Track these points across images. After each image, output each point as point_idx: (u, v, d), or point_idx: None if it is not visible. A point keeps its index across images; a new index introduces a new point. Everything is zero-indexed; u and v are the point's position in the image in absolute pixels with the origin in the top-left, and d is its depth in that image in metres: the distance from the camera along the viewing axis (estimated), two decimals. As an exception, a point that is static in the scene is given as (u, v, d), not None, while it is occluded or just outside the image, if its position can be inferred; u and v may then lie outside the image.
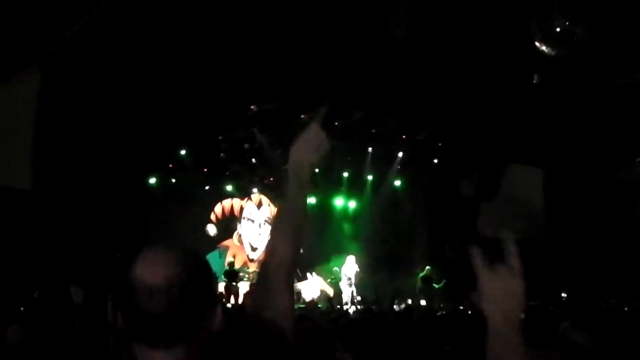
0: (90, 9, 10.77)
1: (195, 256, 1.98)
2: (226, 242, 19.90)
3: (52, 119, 13.01)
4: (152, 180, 19.72)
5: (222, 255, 19.45)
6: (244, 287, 17.43)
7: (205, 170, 20.59)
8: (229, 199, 20.61)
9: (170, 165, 19.81)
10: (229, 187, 21.46)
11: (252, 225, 20.08)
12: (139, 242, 17.64)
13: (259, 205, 20.21)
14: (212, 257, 18.63)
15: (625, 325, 6.26)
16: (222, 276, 17.07)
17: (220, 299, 16.75)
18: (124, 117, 15.77)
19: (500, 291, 2.13)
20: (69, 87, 13.84)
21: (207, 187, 21.20)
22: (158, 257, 1.92)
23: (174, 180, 20.30)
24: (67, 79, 13.46)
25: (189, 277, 1.91)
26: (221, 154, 19.97)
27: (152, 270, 1.88)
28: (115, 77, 14.46)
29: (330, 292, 20.06)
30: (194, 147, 19.27)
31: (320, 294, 19.69)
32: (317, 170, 2.55)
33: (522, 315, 2.11)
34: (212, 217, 20.23)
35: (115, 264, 15.94)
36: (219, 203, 20.31)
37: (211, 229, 19.75)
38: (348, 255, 20.26)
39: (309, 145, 2.63)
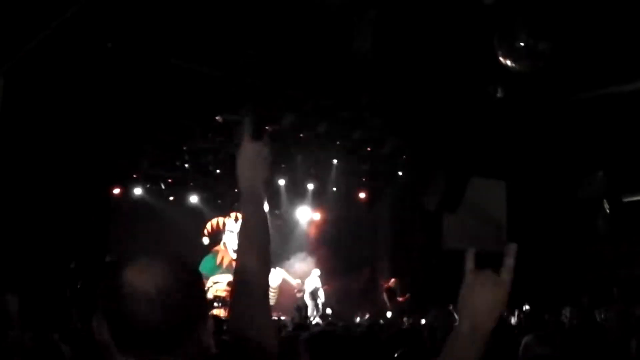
0: (54, 20, 10.72)
1: (186, 265, 1.95)
2: (216, 248, 22.05)
3: (14, 128, 12.94)
4: (116, 191, 19.56)
5: (214, 256, 21.67)
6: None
7: (169, 181, 20.50)
8: (216, 218, 22.21)
9: (134, 176, 19.68)
10: (193, 199, 21.42)
11: (232, 235, 21.70)
12: (98, 253, 17.54)
13: (236, 219, 21.06)
14: (209, 259, 21.48)
15: (586, 337, 6.31)
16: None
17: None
18: (87, 127, 15.66)
19: (479, 300, 2.11)
20: (31, 97, 13.74)
21: (171, 198, 21.13)
22: (149, 264, 1.88)
23: (138, 192, 20.17)
24: (30, 88, 13.37)
25: (181, 286, 1.87)
26: (185, 165, 19.88)
27: (144, 278, 1.83)
28: (78, 86, 14.38)
29: (293, 282, 20.36)
30: (157, 158, 19.16)
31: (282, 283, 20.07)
32: (267, 181, 2.55)
33: (490, 330, 2.10)
34: (205, 231, 22.07)
35: (69, 274, 15.82)
36: (209, 222, 22.09)
37: (205, 240, 21.92)
38: (313, 269, 20.32)
39: (250, 162, 2.59)
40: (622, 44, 13.07)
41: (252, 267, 2.34)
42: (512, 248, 2.22)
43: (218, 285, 21.17)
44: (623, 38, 12.76)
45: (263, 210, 2.54)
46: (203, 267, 20.73)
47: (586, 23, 11.92)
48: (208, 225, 22.20)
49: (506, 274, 2.16)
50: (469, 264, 2.21)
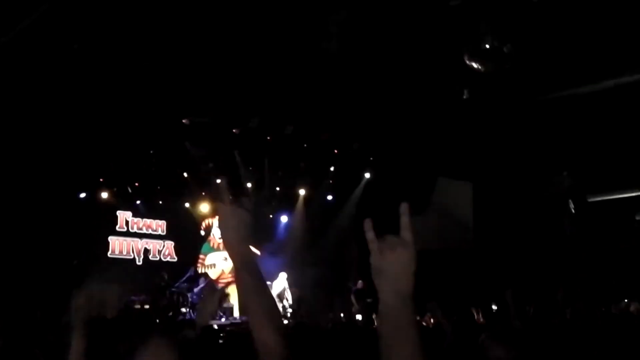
0: (19, 23, 10.64)
1: (193, 347, 2.06)
2: (209, 238, 23.60)
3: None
4: (82, 195, 19.43)
5: (208, 243, 23.42)
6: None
7: (136, 184, 20.41)
8: (208, 219, 23.39)
9: (101, 179, 19.55)
10: (160, 201, 21.50)
11: (216, 229, 22.51)
12: (66, 256, 17.48)
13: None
14: (205, 245, 23.41)
15: (546, 337, 6.38)
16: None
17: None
18: (53, 131, 15.56)
19: (392, 264, 2.11)
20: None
21: (138, 202, 21.13)
22: (160, 348, 1.96)
23: (104, 195, 20.06)
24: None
25: None
26: (152, 168, 19.81)
27: None
28: (44, 89, 14.28)
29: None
30: (124, 161, 19.07)
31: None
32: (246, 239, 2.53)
33: (412, 290, 2.08)
34: (202, 227, 23.48)
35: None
36: (203, 221, 23.44)
37: (202, 232, 23.46)
38: (281, 272, 20.34)
39: (234, 230, 2.56)
40: (586, 46, 13.23)
41: (270, 342, 2.39)
42: (404, 206, 2.21)
43: (209, 260, 22.98)
44: (587, 40, 12.91)
45: (258, 273, 2.53)
46: (203, 249, 23.31)
47: (551, 25, 12.05)
48: (203, 224, 23.61)
49: (406, 232, 2.17)
50: (369, 234, 2.23)
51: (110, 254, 21.55)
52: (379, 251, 2.16)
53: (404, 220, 2.18)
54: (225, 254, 21.60)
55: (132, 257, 22.48)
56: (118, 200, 21.08)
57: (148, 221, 22.97)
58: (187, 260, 22.44)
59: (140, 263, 22.26)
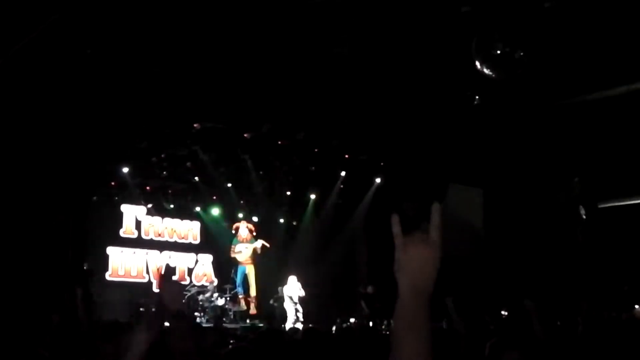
0: (35, 28, 10.71)
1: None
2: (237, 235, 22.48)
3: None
4: (95, 199, 19.44)
5: (236, 235, 22.51)
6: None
7: (147, 188, 20.39)
8: (236, 223, 22.70)
9: (112, 183, 19.59)
10: (171, 206, 21.31)
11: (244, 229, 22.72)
12: (76, 260, 17.44)
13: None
14: (234, 238, 22.41)
15: (561, 346, 6.39)
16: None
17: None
18: (65, 135, 15.61)
19: (414, 260, 2.11)
20: (5, 105, 13.69)
21: (149, 206, 20.94)
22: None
23: (116, 199, 20.07)
24: (9, 96, 13.33)
25: None
26: (163, 172, 19.81)
27: None
28: (57, 94, 14.33)
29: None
30: (135, 166, 19.08)
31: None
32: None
33: (431, 289, 2.06)
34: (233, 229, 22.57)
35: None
36: (233, 226, 22.69)
37: (233, 231, 22.67)
38: (290, 275, 20.34)
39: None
40: (598, 52, 13.21)
41: None
42: (436, 207, 2.21)
43: (237, 248, 22.06)
44: (598, 46, 12.90)
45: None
46: (233, 242, 21.86)
47: (562, 31, 12.04)
48: (233, 226, 22.31)
49: (434, 232, 2.16)
50: (395, 228, 2.22)
51: (109, 276, 19.77)
52: (403, 246, 2.16)
53: (435, 219, 2.19)
54: (247, 244, 22.06)
55: (145, 279, 20.61)
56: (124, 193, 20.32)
57: (171, 223, 21.82)
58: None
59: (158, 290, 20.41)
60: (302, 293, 19.85)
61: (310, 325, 16.25)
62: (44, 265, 15.83)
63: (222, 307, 19.40)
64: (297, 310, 19.61)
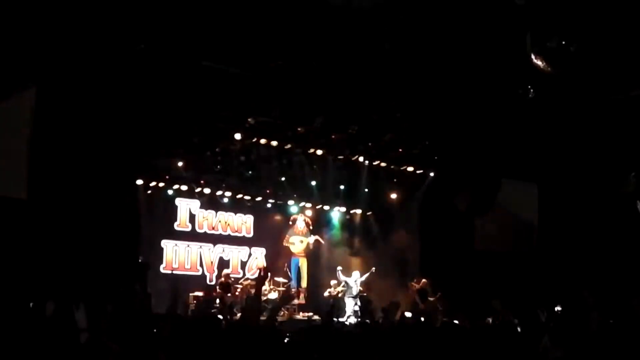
0: (83, 36, 10.87)
1: None
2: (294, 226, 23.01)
3: (49, 133, 13.10)
4: (149, 192, 19.63)
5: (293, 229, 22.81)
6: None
7: (201, 182, 20.53)
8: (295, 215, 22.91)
9: (167, 177, 19.76)
10: (225, 200, 21.41)
11: (300, 222, 23.19)
12: (131, 252, 17.61)
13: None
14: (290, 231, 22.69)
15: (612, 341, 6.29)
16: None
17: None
18: (121, 130, 15.80)
19: None
20: (64, 102, 13.90)
21: (203, 199, 21.04)
22: None
23: (170, 192, 20.25)
24: (63, 93, 13.54)
25: None
26: (217, 166, 19.93)
27: None
28: (111, 88, 14.54)
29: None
30: (189, 159, 19.23)
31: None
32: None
33: None
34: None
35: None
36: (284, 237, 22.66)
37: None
38: (353, 269, 20.41)
39: None
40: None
41: None
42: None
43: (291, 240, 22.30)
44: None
45: None
46: (289, 232, 22.36)
47: (619, 23, 11.86)
48: (291, 218, 22.77)
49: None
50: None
51: (163, 269, 20.10)
52: None
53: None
54: (303, 237, 22.37)
55: (199, 272, 20.78)
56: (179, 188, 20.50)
57: (226, 216, 21.83)
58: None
59: (213, 282, 20.26)
60: (362, 282, 19.97)
61: (366, 319, 16.27)
62: (101, 258, 16.04)
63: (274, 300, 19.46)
64: (355, 305, 19.67)
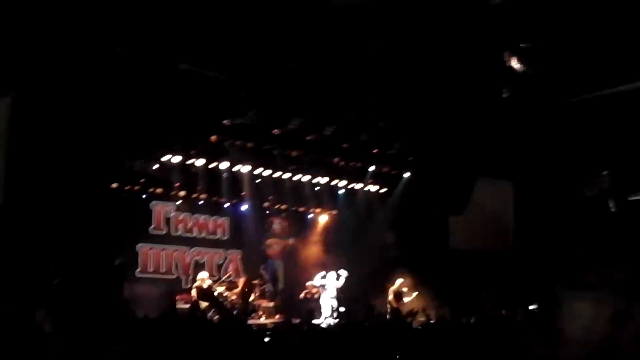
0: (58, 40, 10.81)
1: None
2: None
3: (26, 138, 13.03)
4: (125, 196, 19.48)
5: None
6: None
7: (177, 184, 20.39)
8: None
9: (142, 180, 19.59)
10: (200, 202, 21.30)
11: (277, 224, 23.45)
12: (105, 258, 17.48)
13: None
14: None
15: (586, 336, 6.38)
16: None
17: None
18: (94, 133, 15.70)
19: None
20: (40, 107, 13.83)
21: (178, 202, 20.93)
22: None
23: (144, 196, 20.12)
24: (39, 98, 13.47)
25: None
26: (193, 169, 19.80)
27: None
28: (86, 92, 14.46)
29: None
30: (165, 162, 19.11)
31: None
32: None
33: None
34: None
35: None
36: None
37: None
38: (330, 270, 20.40)
39: None
40: (627, 43, 13.13)
41: None
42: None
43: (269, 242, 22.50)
44: (627, 37, 12.82)
45: None
46: (266, 235, 22.42)
47: (592, 23, 11.99)
48: (267, 220, 22.86)
49: None
50: None
51: (139, 272, 19.75)
52: None
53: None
54: (279, 239, 22.60)
55: (174, 275, 20.44)
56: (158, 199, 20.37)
57: (200, 219, 21.56)
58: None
59: (188, 285, 19.74)
60: (340, 284, 19.95)
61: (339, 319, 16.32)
62: (78, 262, 15.94)
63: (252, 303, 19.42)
64: (333, 306, 19.67)
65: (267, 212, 22.52)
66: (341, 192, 22.70)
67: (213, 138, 18.20)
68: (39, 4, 11.64)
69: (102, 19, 12.10)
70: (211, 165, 19.66)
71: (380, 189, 22.56)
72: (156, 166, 18.92)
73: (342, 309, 19.55)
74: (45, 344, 6.22)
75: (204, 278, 18.69)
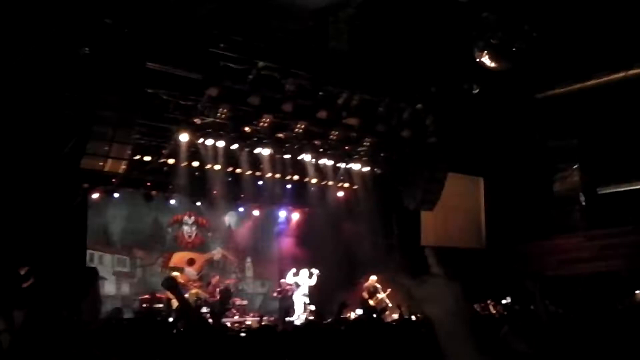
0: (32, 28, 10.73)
1: None
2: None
3: None
4: (95, 195, 19.39)
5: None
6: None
7: (148, 184, 20.32)
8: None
9: (113, 180, 19.45)
10: (172, 201, 21.29)
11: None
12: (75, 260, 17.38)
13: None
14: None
15: (563, 331, 6.41)
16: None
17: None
18: (64, 133, 15.58)
19: (436, 296, 2.20)
20: (6, 106, 13.71)
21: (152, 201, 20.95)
22: None
23: (116, 195, 20.02)
24: (5, 97, 13.35)
25: None
26: (164, 168, 19.68)
27: None
28: (54, 92, 14.35)
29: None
30: (135, 161, 18.99)
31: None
32: None
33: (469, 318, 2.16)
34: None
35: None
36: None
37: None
38: (302, 268, 20.43)
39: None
40: (594, 39, 13.25)
41: None
42: (429, 252, 2.30)
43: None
44: (595, 34, 12.94)
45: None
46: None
47: (559, 20, 12.08)
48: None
49: (435, 270, 2.29)
50: (430, 260, 2.31)
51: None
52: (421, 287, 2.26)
53: (431, 260, 2.30)
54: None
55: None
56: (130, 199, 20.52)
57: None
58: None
59: None
60: (312, 282, 20.00)
61: (312, 317, 16.32)
62: (48, 263, 15.82)
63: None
64: (305, 303, 19.72)
65: (239, 209, 22.66)
66: (312, 189, 22.70)
67: (184, 137, 18.16)
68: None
69: (70, 18, 12.01)
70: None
71: (351, 186, 22.52)
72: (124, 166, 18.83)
73: (312, 307, 19.59)
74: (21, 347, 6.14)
75: (175, 277, 18.68)
